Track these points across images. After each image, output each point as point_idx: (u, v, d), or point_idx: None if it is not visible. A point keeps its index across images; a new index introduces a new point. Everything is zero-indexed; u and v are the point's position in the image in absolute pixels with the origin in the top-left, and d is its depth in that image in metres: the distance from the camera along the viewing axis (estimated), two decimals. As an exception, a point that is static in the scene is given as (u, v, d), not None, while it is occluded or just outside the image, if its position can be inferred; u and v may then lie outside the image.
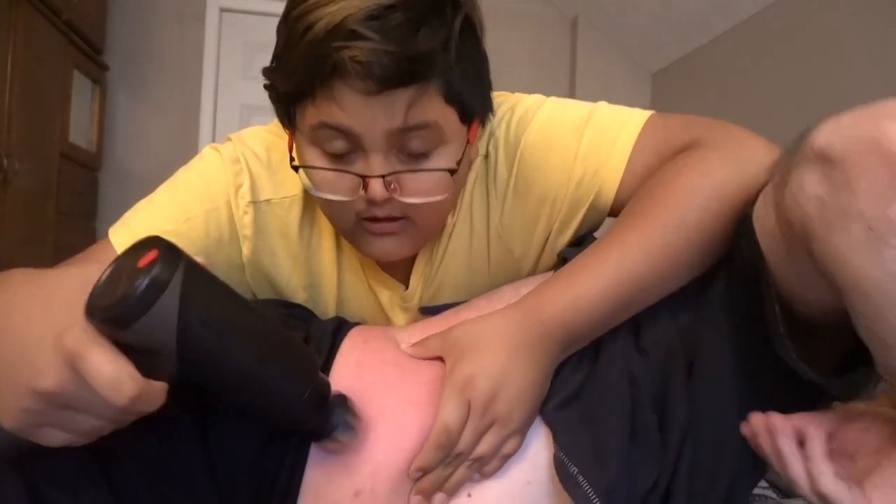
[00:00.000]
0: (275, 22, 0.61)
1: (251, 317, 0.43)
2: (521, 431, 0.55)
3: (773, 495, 0.91)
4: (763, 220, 0.49)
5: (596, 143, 0.66)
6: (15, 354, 0.37)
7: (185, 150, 0.71)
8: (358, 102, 0.55)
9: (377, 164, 0.58)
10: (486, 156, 0.70)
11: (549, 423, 0.56)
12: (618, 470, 0.54)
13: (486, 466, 0.54)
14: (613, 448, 0.55)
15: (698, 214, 0.57)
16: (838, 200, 0.39)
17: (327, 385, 0.49)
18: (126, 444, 0.41)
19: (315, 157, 0.60)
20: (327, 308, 0.75)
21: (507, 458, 0.54)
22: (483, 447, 0.53)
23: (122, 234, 0.66)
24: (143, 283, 0.35)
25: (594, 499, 0.52)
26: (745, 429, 0.51)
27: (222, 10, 3.21)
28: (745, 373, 0.55)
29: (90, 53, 2.83)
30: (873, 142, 0.37)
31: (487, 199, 0.71)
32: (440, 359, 0.58)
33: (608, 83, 3.46)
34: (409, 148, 0.58)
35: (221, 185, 0.68)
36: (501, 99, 0.73)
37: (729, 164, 0.58)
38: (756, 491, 0.90)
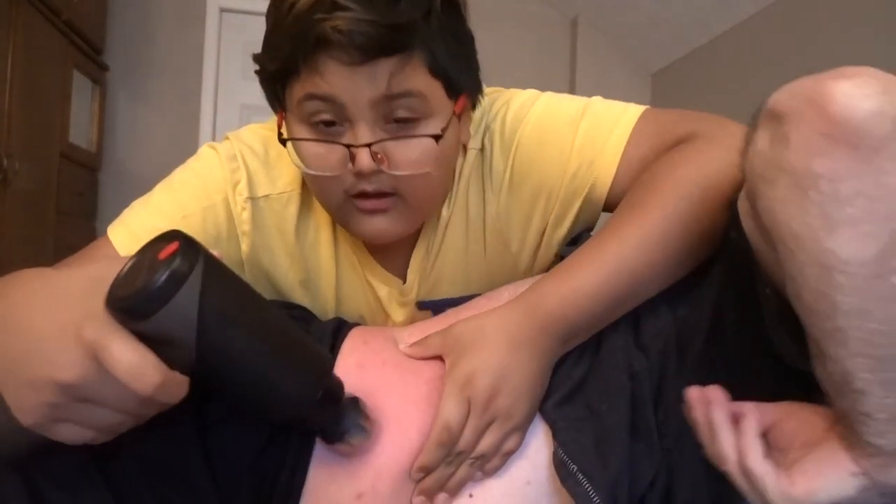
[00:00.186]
0: (275, 22, 0.61)
1: (268, 313, 0.43)
2: (523, 427, 0.55)
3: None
4: (742, 200, 0.48)
5: (591, 136, 0.67)
6: (28, 352, 0.37)
7: (185, 150, 0.72)
8: (342, 72, 0.56)
9: (363, 133, 0.58)
10: (482, 149, 0.71)
11: (549, 421, 0.56)
12: (619, 468, 0.54)
13: (488, 464, 0.54)
14: (615, 445, 0.54)
15: (694, 206, 0.57)
16: (774, 153, 0.40)
17: (341, 386, 0.49)
18: (126, 443, 0.41)
19: (304, 134, 0.61)
20: (326, 304, 0.75)
21: (509, 455, 0.54)
22: (484, 444, 0.53)
23: (121, 233, 0.66)
24: (164, 274, 0.35)
25: (594, 498, 0.52)
26: (686, 405, 0.50)
27: (222, 10, 3.21)
28: (739, 365, 0.54)
29: (90, 53, 2.83)
30: (811, 97, 0.37)
31: (483, 193, 0.71)
32: (440, 357, 0.58)
33: (608, 83, 3.46)
34: (395, 117, 0.59)
35: (219, 182, 0.68)
36: (497, 94, 0.74)
37: (723, 156, 0.58)
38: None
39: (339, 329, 0.63)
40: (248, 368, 0.41)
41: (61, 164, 2.56)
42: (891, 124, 0.35)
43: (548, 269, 0.73)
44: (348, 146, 0.58)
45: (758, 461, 0.43)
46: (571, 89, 3.48)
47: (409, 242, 0.73)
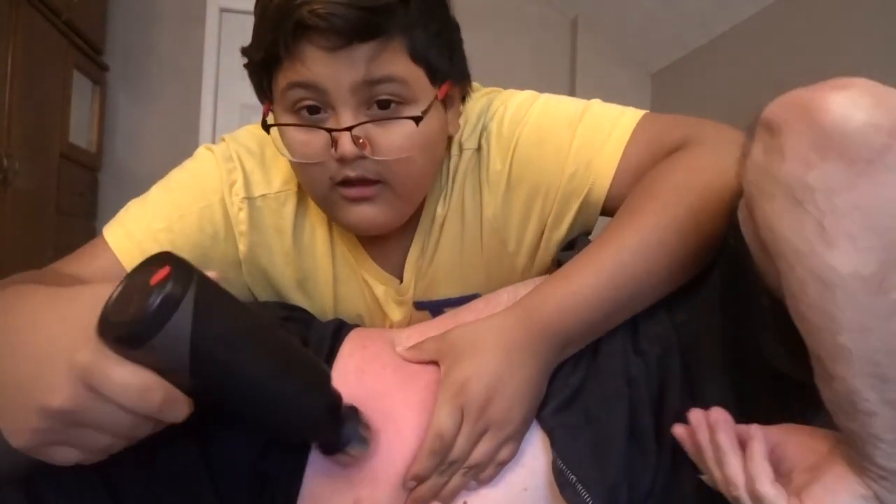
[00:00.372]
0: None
1: (264, 332, 0.43)
2: (518, 436, 0.54)
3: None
4: (742, 208, 0.48)
5: (589, 138, 0.67)
6: (28, 374, 0.37)
7: (185, 150, 0.72)
8: (322, 58, 0.57)
9: (345, 118, 0.59)
10: (479, 149, 0.71)
11: (547, 428, 0.55)
12: (617, 474, 0.53)
13: (483, 473, 0.53)
14: (612, 452, 0.54)
15: (693, 213, 0.57)
16: (769, 165, 0.39)
17: (339, 398, 0.49)
18: (127, 450, 0.41)
19: (289, 122, 0.62)
20: (324, 303, 0.75)
21: (504, 464, 0.54)
22: (478, 454, 0.52)
23: (117, 233, 0.66)
24: (156, 301, 0.35)
25: None
26: (677, 430, 0.50)
27: (222, 10, 3.21)
28: (739, 374, 0.54)
29: (90, 53, 2.83)
30: (805, 109, 0.37)
31: (480, 192, 0.71)
32: (437, 362, 0.57)
33: (608, 83, 3.46)
34: (376, 101, 0.60)
35: (215, 182, 0.68)
36: (494, 94, 0.74)
37: (721, 163, 0.58)
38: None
39: (339, 331, 0.63)
40: (244, 389, 0.41)
41: (61, 164, 2.56)
42: (885, 136, 0.35)
43: (546, 271, 0.73)
44: (330, 131, 0.59)
45: (769, 486, 0.43)
46: (571, 89, 3.48)
47: (404, 241, 0.73)
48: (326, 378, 0.47)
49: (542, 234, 0.71)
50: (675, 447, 0.53)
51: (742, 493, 0.44)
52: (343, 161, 0.60)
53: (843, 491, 0.42)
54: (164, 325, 0.35)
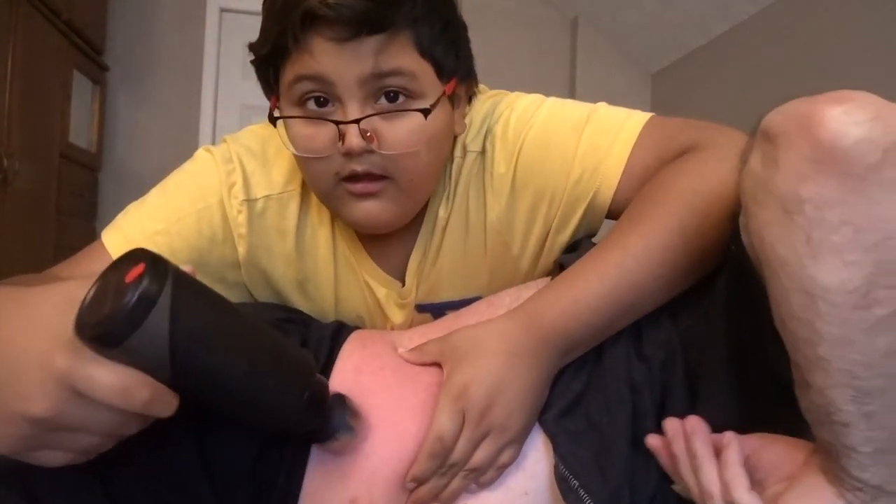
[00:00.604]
0: (275, 22, 0.61)
1: (243, 325, 0.42)
2: (519, 440, 0.54)
3: None
4: (743, 215, 0.48)
5: (595, 142, 0.67)
6: (2, 380, 0.36)
7: (185, 150, 0.72)
8: (330, 50, 0.57)
9: (352, 110, 0.59)
10: (483, 151, 0.71)
11: (549, 433, 0.55)
12: (619, 480, 0.53)
13: (483, 477, 0.53)
14: (615, 457, 0.54)
15: (698, 218, 0.57)
16: (764, 175, 0.39)
17: (325, 387, 0.49)
18: (123, 449, 0.41)
19: (296, 119, 0.62)
20: (325, 305, 0.75)
21: (504, 468, 0.53)
22: (479, 457, 0.52)
23: (115, 236, 0.66)
24: (132, 299, 0.34)
25: None
26: (651, 440, 0.50)
27: (222, 10, 3.21)
28: (743, 380, 0.54)
29: (90, 53, 2.83)
30: (802, 121, 0.37)
31: (484, 195, 0.71)
32: (438, 364, 0.57)
33: (608, 83, 3.46)
34: (384, 93, 0.60)
35: (213, 184, 0.68)
36: (500, 97, 0.74)
37: (727, 167, 0.58)
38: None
39: (339, 332, 0.63)
40: (226, 383, 0.41)
41: (61, 164, 2.56)
42: (880, 152, 0.35)
43: (549, 273, 0.73)
44: (337, 123, 0.59)
45: (744, 493, 0.43)
46: (571, 89, 3.48)
47: (406, 243, 0.73)
48: (310, 368, 0.47)
49: (547, 237, 0.71)
50: None
51: (718, 501, 0.44)
52: (349, 155, 0.60)
53: (817, 501, 0.42)
54: (142, 322, 0.35)
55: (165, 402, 0.38)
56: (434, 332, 0.61)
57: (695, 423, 0.48)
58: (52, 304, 0.37)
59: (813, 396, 0.40)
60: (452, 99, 0.66)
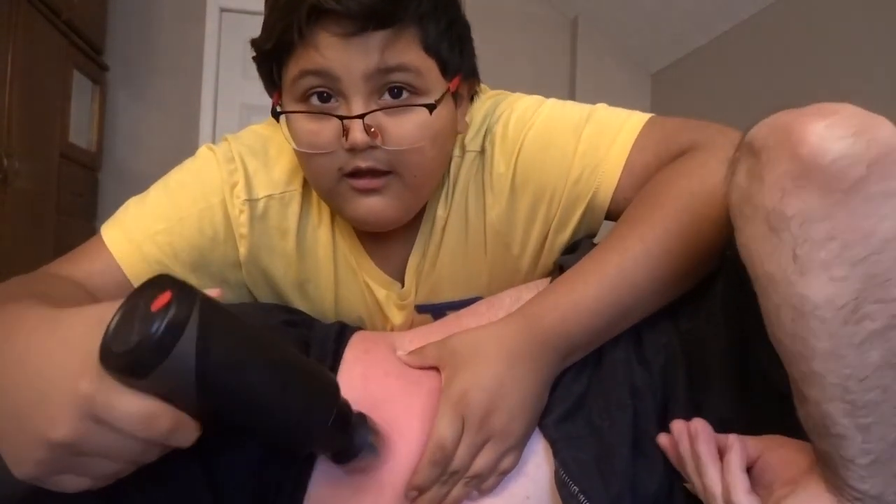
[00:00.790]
0: (275, 22, 0.61)
1: (270, 349, 0.42)
2: (519, 446, 0.53)
3: None
4: None
5: (595, 142, 0.66)
6: (29, 403, 0.36)
7: (185, 150, 0.72)
8: (336, 44, 0.57)
9: (357, 105, 0.59)
10: (482, 151, 0.70)
11: (550, 438, 0.55)
12: (620, 485, 0.52)
13: (484, 483, 0.52)
14: (616, 462, 0.53)
15: (697, 220, 0.56)
16: (750, 189, 0.39)
17: (349, 407, 0.48)
18: None
19: (299, 114, 0.62)
20: (325, 305, 0.75)
21: (505, 474, 0.53)
22: (480, 464, 0.51)
23: (115, 234, 0.65)
24: (160, 328, 0.33)
25: None
26: (661, 439, 0.50)
27: (222, 10, 3.21)
28: (744, 383, 0.53)
29: (90, 53, 2.83)
30: (786, 135, 0.37)
31: (483, 195, 0.71)
32: (437, 368, 0.57)
33: (608, 83, 3.46)
34: (389, 88, 0.60)
35: (216, 184, 0.68)
36: (501, 97, 0.74)
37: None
38: None
39: (342, 334, 0.62)
40: (252, 408, 0.40)
41: (61, 164, 2.56)
42: (864, 167, 0.35)
43: (549, 273, 0.73)
44: (342, 118, 0.59)
45: (743, 496, 0.43)
46: (571, 89, 3.48)
47: (405, 243, 0.73)
48: (335, 389, 0.46)
49: (547, 237, 0.71)
50: None
51: (719, 502, 0.44)
52: (354, 150, 0.59)
53: None
54: (169, 352, 0.34)
55: (187, 432, 0.38)
56: (434, 333, 0.61)
57: (699, 425, 0.48)
58: (85, 327, 0.37)
59: (809, 409, 0.41)
60: (455, 96, 0.66)
